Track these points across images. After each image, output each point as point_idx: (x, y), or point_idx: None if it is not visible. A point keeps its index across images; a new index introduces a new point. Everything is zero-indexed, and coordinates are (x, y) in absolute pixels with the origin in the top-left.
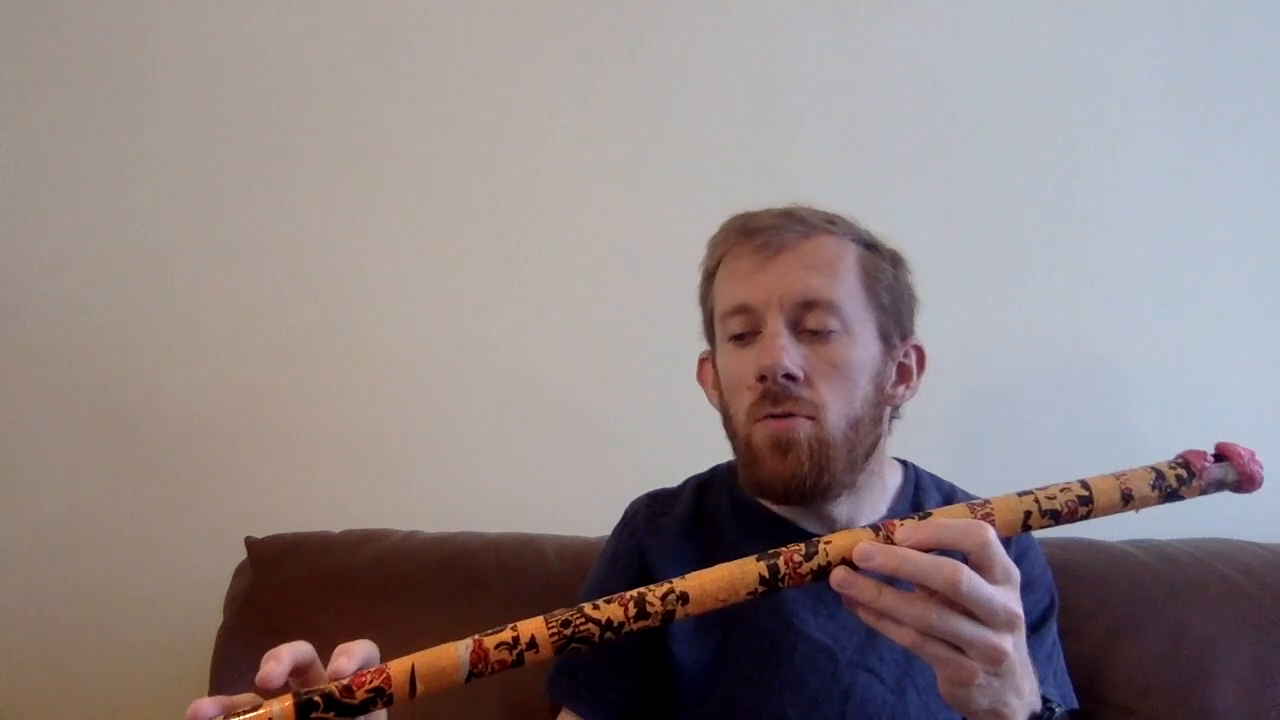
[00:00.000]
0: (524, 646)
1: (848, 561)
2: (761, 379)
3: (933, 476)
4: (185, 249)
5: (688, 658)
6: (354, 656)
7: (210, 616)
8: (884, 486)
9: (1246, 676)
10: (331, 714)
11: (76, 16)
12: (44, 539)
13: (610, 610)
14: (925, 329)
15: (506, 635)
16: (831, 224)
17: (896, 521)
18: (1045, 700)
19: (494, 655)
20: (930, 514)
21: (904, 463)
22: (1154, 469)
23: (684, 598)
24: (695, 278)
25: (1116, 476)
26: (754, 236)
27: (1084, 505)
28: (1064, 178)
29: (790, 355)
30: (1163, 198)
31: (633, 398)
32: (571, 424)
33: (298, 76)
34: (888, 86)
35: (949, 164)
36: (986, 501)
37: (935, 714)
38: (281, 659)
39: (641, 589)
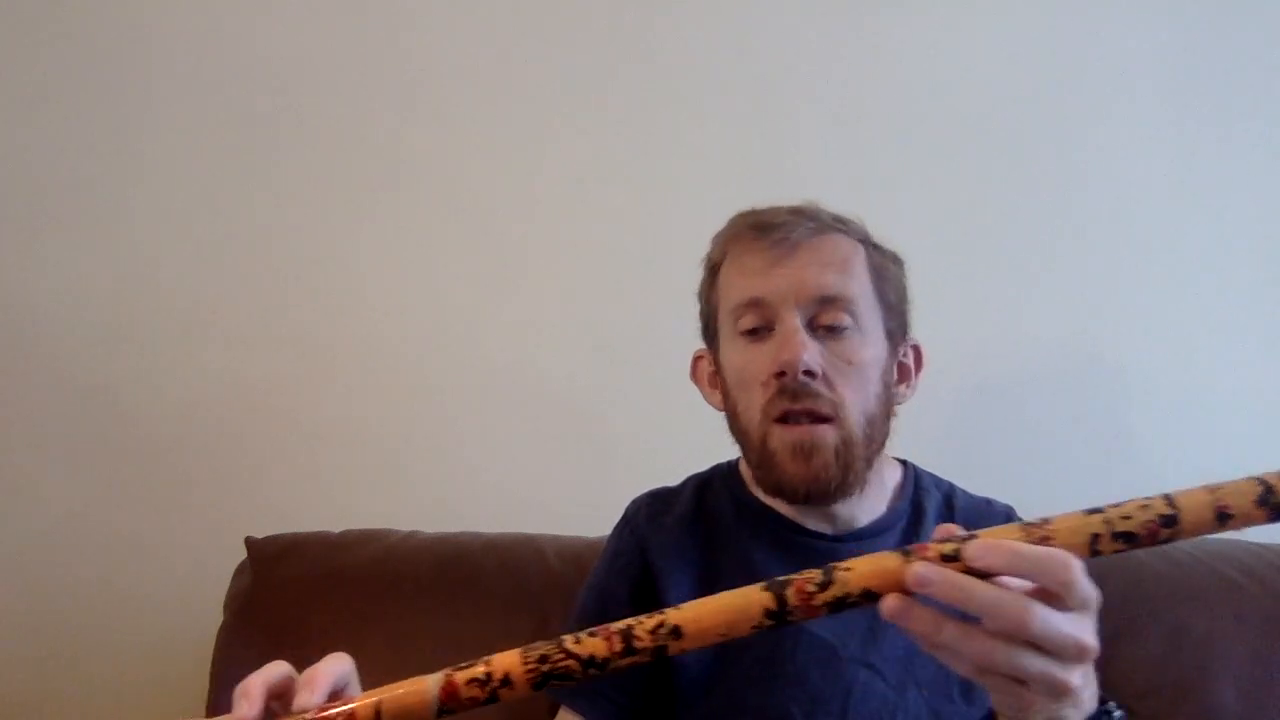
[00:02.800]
0: (497, 684)
1: (863, 591)
2: (779, 375)
3: (932, 475)
4: (185, 248)
5: (689, 655)
6: (318, 689)
7: (210, 616)
8: (883, 485)
9: (1246, 676)
10: None
11: (79, 21)
12: (44, 539)
13: (593, 645)
14: (925, 328)
15: (479, 671)
16: (840, 223)
17: (932, 545)
18: (1103, 700)
19: (465, 693)
20: (977, 535)
21: (903, 462)
22: (1261, 480)
23: (676, 631)
24: (696, 278)
25: (1210, 490)
26: (768, 231)
27: (1167, 526)
28: (1064, 177)
29: (809, 351)
30: (1163, 196)
31: (633, 398)
32: (571, 424)
33: (300, 76)
34: (888, 86)
35: (949, 163)
36: (1045, 521)
37: (936, 710)
38: (253, 697)
39: (630, 620)
